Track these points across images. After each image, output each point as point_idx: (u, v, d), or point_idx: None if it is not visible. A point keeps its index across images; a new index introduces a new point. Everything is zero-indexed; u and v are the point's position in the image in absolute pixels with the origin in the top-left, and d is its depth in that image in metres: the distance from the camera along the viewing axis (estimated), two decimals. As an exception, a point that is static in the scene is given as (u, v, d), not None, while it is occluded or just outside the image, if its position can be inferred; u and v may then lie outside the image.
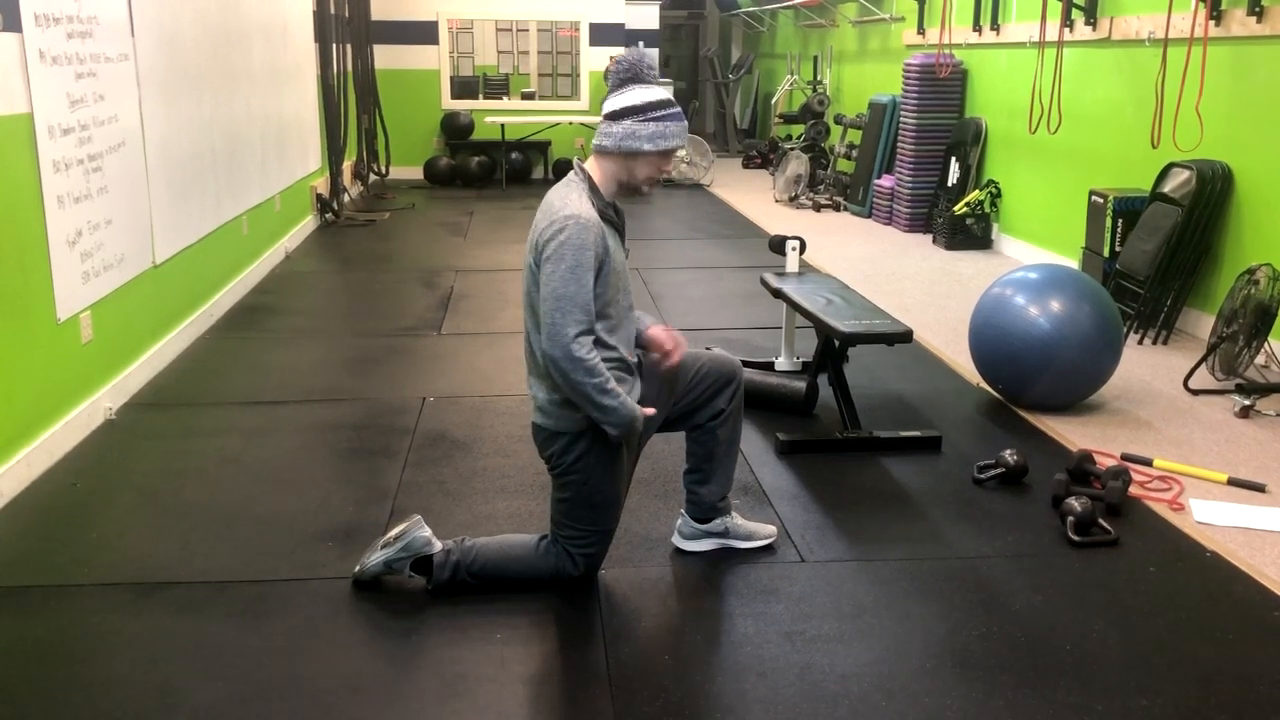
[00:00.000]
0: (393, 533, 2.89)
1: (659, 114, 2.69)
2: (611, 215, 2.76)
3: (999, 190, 7.92)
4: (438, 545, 2.87)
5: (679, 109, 2.75)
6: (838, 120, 10.46)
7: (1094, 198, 6.04)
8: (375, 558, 2.88)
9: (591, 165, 2.79)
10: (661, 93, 2.73)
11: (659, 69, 12.92)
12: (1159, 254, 5.38)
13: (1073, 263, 6.34)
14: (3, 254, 3.51)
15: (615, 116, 2.72)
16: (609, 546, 2.94)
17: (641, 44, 12.60)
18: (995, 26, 7.80)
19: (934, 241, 8.20)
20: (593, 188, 2.75)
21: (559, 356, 2.60)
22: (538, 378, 2.79)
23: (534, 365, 2.79)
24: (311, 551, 3.14)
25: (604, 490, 2.81)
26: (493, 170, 11.56)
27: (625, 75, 2.74)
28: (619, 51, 11.83)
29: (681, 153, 11.51)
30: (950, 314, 5.96)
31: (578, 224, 2.61)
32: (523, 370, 4.90)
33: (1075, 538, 3.21)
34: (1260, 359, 4.72)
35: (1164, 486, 3.64)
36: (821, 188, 10.35)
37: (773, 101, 13.20)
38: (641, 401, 2.83)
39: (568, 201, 2.66)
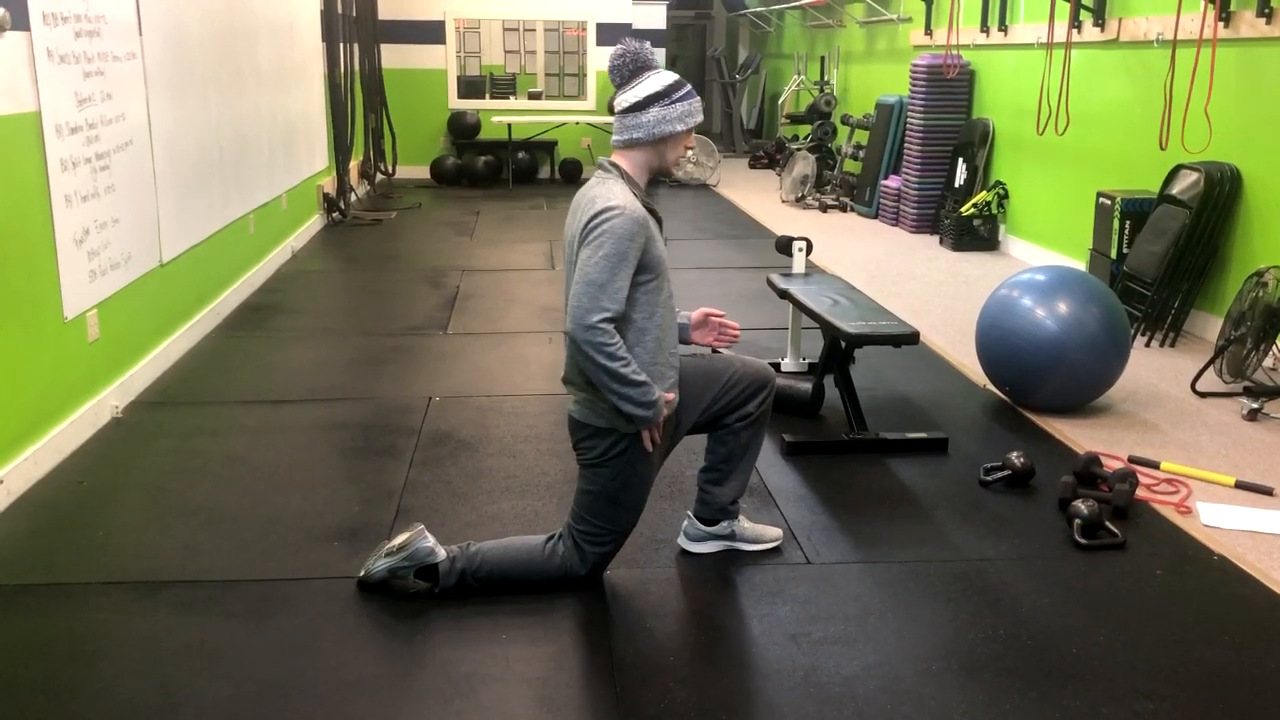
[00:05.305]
0: (396, 541, 2.88)
1: (681, 93, 2.77)
2: (652, 206, 2.78)
3: (1006, 191, 7.91)
4: (441, 553, 2.85)
5: (689, 84, 2.84)
6: (844, 121, 10.45)
7: (1101, 199, 6.03)
8: (379, 564, 2.87)
9: (620, 160, 2.80)
10: (672, 74, 2.81)
11: (664, 69, 12.91)
12: (1167, 256, 5.36)
13: (1080, 264, 6.32)
14: (10, 253, 3.52)
15: (639, 107, 2.75)
16: (620, 548, 2.93)
17: (649, 42, 12.59)
18: (1003, 27, 7.79)
19: (941, 243, 8.19)
20: (630, 181, 2.76)
21: (581, 339, 2.60)
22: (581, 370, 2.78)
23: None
24: (317, 551, 3.14)
25: (631, 490, 2.81)
26: (499, 170, 11.56)
27: (635, 65, 2.79)
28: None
29: (690, 150, 11.51)
30: (957, 315, 5.95)
31: (624, 215, 2.62)
32: (527, 370, 4.91)
33: (1082, 540, 3.20)
34: (1268, 361, 4.71)
35: (1171, 489, 3.63)
36: (828, 188, 10.34)
37: (779, 102, 13.18)
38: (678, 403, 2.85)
39: (612, 193, 2.67)
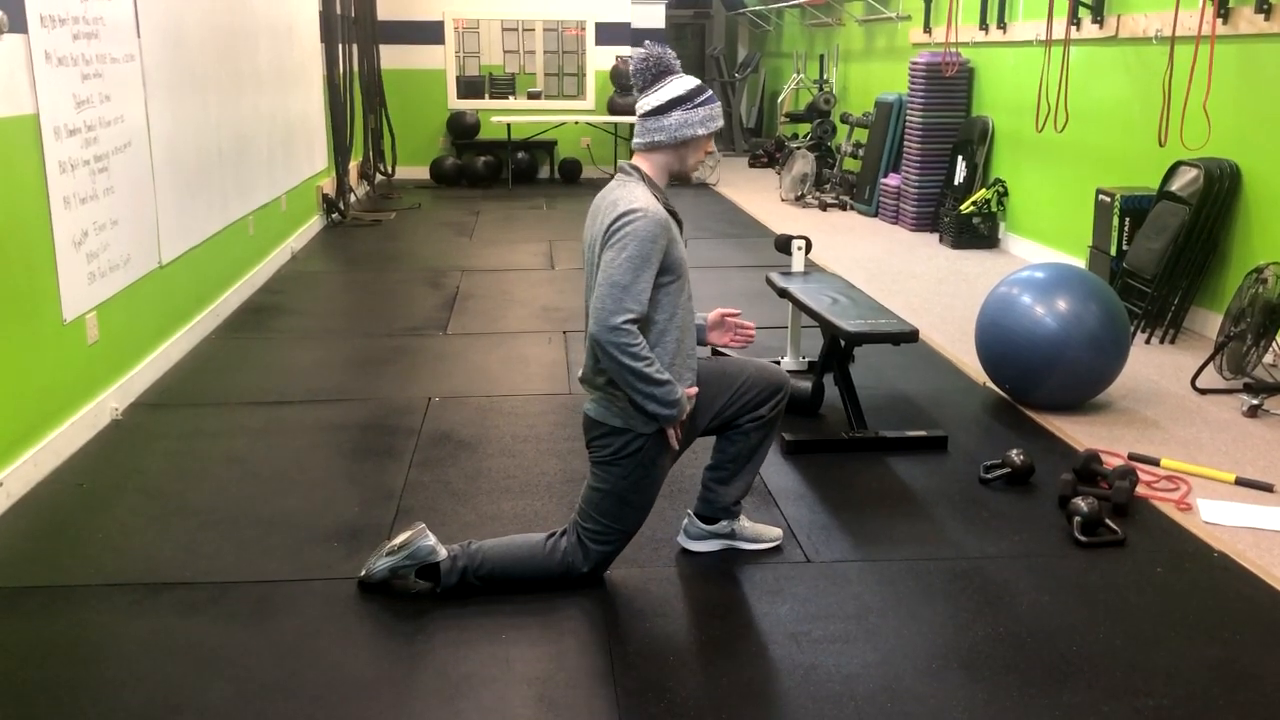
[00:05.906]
0: (397, 540, 2.88)
1: (703, 98, 2.79)
2: (673, 207, 2.80)
3: (1005, 189, 7.91)
4: (443, 552, 2.86)
5: (710, 89, 2.85)
6: (844, 119, 10.44)
7: (1101, 196, 6.03)
8: (381, 564, 2.88)
9: (641, 162, 2.82)
10: (694, 79, 2.82)
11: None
12: (1166, 253, 5.36)
13: (1080, 262, 6.32)
14: (9, 255, 3.52)
15: (662, 110, 2.77)
16: (624, 549, 2.93)
17: (648, 42, 12.58)
18: (1002, 25, 7.78)
19: (940, 240, 8.18)
20: (650, 183, 2.78)
21: (605, 340, 2.61)
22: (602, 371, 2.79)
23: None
24: (317, 552, 3.14)
25: (641, 490, 2.82)
26: (499, 170, 11.56)
27: (658, 69, 2.81)
28: (626, 51, 11.82)
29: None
30: (956, 313, 5.95)
31: (646, 217, 2.64)
32: (527, 370, 4.91)
33: (1082, 538, 3.20)
34: (1268, 358, 4.70)
35: (1171, 486, 3.63)
36: (828, 187, 10.34)
37: (779, 100, 13.18)
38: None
39: (634, 196, 2.69)
